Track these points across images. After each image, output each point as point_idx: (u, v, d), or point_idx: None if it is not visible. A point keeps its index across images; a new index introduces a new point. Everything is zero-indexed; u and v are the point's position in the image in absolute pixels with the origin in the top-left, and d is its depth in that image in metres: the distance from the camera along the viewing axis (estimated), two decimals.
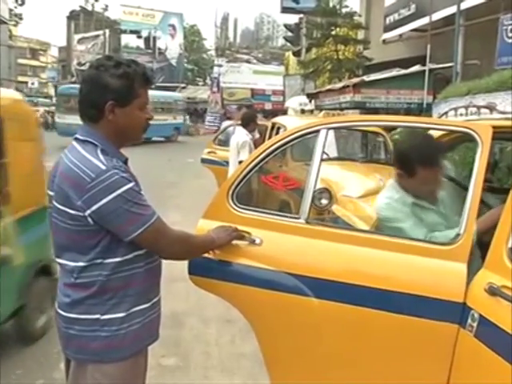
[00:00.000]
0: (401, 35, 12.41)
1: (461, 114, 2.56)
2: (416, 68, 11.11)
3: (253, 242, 2.19)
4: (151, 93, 2.00)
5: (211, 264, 2.23)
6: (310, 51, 20.23)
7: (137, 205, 1.71)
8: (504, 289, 1.85)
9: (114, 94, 1.74)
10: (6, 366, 3.55)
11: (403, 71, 11.38)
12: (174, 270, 5.76)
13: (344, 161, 7.22)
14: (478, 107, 2.40)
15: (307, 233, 2.19)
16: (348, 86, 11.58)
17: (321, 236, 2.19)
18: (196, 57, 55.02)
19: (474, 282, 2.01)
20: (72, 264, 1.79)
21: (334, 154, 7.36)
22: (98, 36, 45.63)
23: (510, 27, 7.31)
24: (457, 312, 1.98)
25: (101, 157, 1.71)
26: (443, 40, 10.59)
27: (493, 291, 1.88)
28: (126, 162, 1.86)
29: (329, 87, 13.63)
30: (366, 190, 6.10)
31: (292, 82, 24.38)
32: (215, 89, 43.94)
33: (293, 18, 27.18)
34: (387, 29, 12.89)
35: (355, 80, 12.09)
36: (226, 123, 25.13)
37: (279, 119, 9.28)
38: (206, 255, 2.18)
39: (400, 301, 2.04)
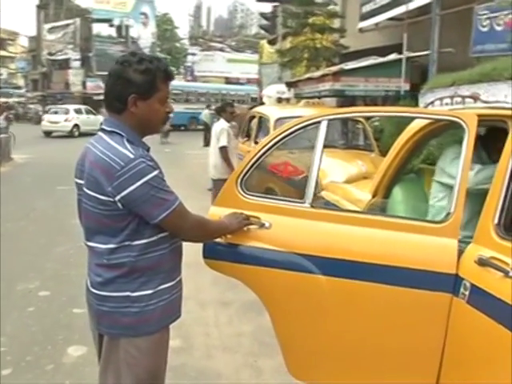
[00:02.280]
0: (377, 24, 12.62)
1: (446, 104, 2.75)
2: (393, 56, 11.35)
3: (262, 225, 2.37)
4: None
5: (224, 247, 2.41)
6: (286, 39, 20.34)
7: (162, 191, 1.85)
8: (492, 259, 2.08)
9: (136, 87, 1.87)
10: (14, 354, 3.69)
11: (381, 59, 11.62)
12: None
13: (326, 148, 7.40)
14: (463, 97, 2.59)
15: (312, 216, 2.40)
16: (328, 75, 11.78)
17: (324, 218, 2.41)
18: (169, 46, 54.54)
19: (464, 255, 2.24)
20: (103, 246, 1.92)
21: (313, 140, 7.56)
22: (68, 25, 44.84)
23: (484, 17, 7.58)
24: (450, 282, 2.22)
25: (128, 146, 1.84)
26: (418, 28, 10.84)
27: (482, 262, 2.12)
28: (148, 150, 1.98)
29: (308, 75, 13.81)
30: (349, 175, 6.34)
31: (269, 70, 24.49)
32: (189, 78, 43.77)
33: (267, 6, 27.26)
34: (363, 17, 13.08)
35: (335, 68, 12.29)
36: (203, 112, 25.32)
37: (260, 109, 9.44)
38: (218, 240, 2.36)
39: (398, 274, 2.26)
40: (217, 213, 2.44)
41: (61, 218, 7.77)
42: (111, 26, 43.31)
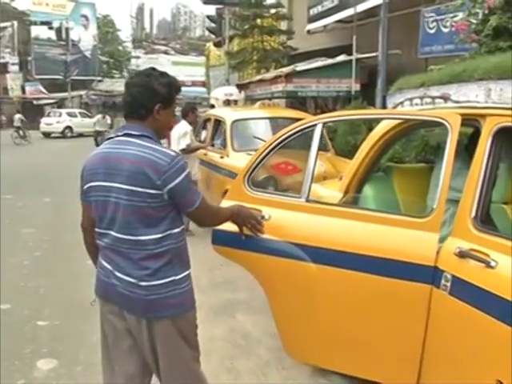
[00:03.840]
0: (325, 26, 12.85)
1: (416, 104, 2.84)
2: (343, 57, 11.59)
3: (263, 217, 2.69)
4: None
5: (230, 235, 2.69)
6: (233, 42, 20.37)
7: (192, 182, 2.24)
8: (472, 251, 2.18)
9: (161, 98, 2.15)
10: None
11: (331, 61, 11.83)
12: None
13: (282, 149, 7.48)
14: (433, 98, 2.70)
15: (307, 210, 2.68)
16: (280, 76, 11.88)
17: (316, 212, 2.67)
18: (111, 48, 53.49)
19: (443, 248, 2.34)
20: (146, 238, 2.11)
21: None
22: (5, 28, 43.15)
23: (431, 19, 7.88)
24: (429, 274, 2.34)
25: (160, 146, 2.12)
26: (364, 31, 11.12)
27: (462, 254, 2.22)
28: None
29: (259, 77, 13.88)
30: None
31: (216, 72, 24.46)
32: None
33: (212, 9, 27.21)
34: (311, 20, 13.30)
35: (287, 70, 12.41)
36: None
37: (215, 112, 9.39)
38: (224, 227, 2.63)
39: (381, 265, 2.43)
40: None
41: (10, 227, 7.50)
42: (50, 28, 41.97)
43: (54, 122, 29.62)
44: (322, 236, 2.59)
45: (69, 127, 29.68)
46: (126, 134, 2.14)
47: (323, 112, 13.29)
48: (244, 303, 4.59)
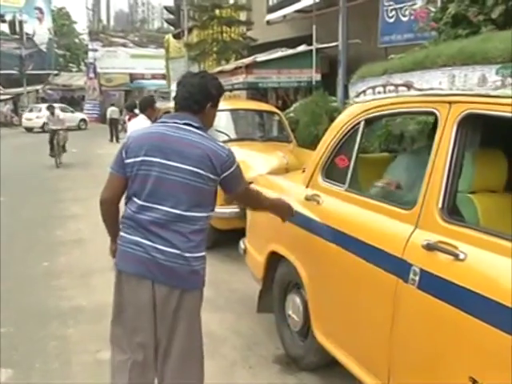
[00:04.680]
0: (285, 16, 12.74)
1: (379, 92, 2.76)
2: (303, 48, 11.52)
3: (318, 202, 3.13)
4: None
5: None
6: (192, 33, 20.08)
7: (242, 172, 2.56)
8: (440, 243, 2.12)
9: (213, 98, 2.53)
10: None
11: (291, 51, 11.76)
12: (88, 264, 5.70)
13: (244, 141, 7.38)
14: (396, 85, 2.61)
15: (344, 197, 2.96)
16: (240, 67, 11.74)
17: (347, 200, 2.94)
18: (67, 41, 52.29)
19: (411, 241, 2.28)
20: (202, 214, 2.42)
21: (233, 134, 7.51)
22: None
23: (390, 8, 7.86)
24: (396, 265, 2.31)
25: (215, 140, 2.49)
26: (324, 20, 11.06)
27: (430, 247, 2.15)
28: None
29: (219, 69, 13.70)
30: (272, 167, 6.33)
31: (176, 65, 24.07)
32: (92, 75, 42.08)
33: (169, 0, 26.75)
34: (270, 10, 13.18)
35: (247, 61, 12.27)
36: (110, 109, 24.74)
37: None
38: None
39: (366, 249, 2.58)
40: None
41: None
42: (3, 21, 40.52)
43: (33, 117, 30.25)
44: (338, 220, 2.91)
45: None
46: (186, 124, 2.43)
47: (284, 103, 13.25)
48: (208, 301, 4.44)
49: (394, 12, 7.81)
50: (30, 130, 30.11)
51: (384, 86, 2.73)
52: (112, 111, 24.08)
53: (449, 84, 2.25)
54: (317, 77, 11.02)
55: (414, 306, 2.21)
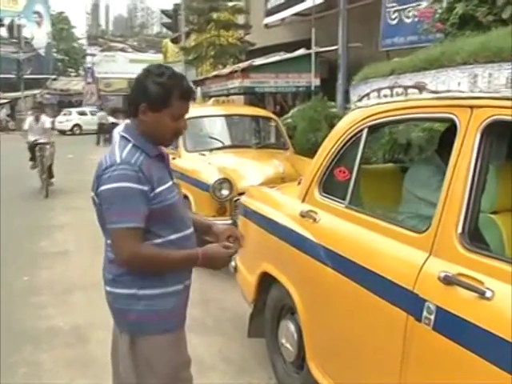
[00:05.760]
0: (283, 19, 12.45)
1: (385, 95, 2.42)
2: (302, 51, 11.21)
3: (314, 220, 2.76)
4: None
5: None
6: (190, 37, 19.80)
7: (124, 204, 1.87)
8: (461, 277, 1.75)
9: (148, 98, 1.93)
10: None
11: (289, 55, 11.44)
12: (71, 279, 5.36)
13: (239, 148, 7.07)
14: (405, 87, 2.27)
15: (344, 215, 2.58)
16: (236, 71, 11.43)
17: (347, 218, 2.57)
18: (66, 46, 52.20)
19: (424, 271, 1.92)
20: (108, 241, 2.01)
21: (227, 141, 7.19)
22: None
23: (392, 9, 7.54)
24: (406, 300, 1.95)
25: (125, 151, 1.92)
26: (323, 24, 10.77)
27: (448, 280, 1.79)
28: (160, 156, 2.03)
29: (215, 73, 13.41)
30: (266, 177, 5.99)
31: (174, 69, 23.78)
32: (90, 79, 41.95)
33: (168, 4, 26.50)
34: (269, 13, 12.88)
35: (243, 65, 11.97)
36: (99, 114, 24.84)
37: None
38: None
39: (367, 277, 2.21)
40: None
41: None
42: (1, 25, 40.32)
43: (64, 120, 32.67)
44: (337, 241, 2.55)
45: (78, 125, 33.03)
46: (119, 134, 2.04)
47: (282, 108, 12.93)
48: (196, 321, 4.09)
49: (396, 14, 7.48)
50: (63, 132, 30.85)
51: (391, 88, 2.38)
52: (100, 116, 24.94)
53: (470, 85, 1.90)
54: (316, 81, 10.70)
55: (430, 351, 1.84)
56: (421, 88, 2.18)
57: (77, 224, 7.64)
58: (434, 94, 2.10)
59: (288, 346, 3.09)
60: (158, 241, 1.99)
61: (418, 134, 5.05)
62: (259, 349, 3.66)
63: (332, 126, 8.29)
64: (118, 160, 1.90)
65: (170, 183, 2.04)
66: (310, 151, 7.36)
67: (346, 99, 8.44)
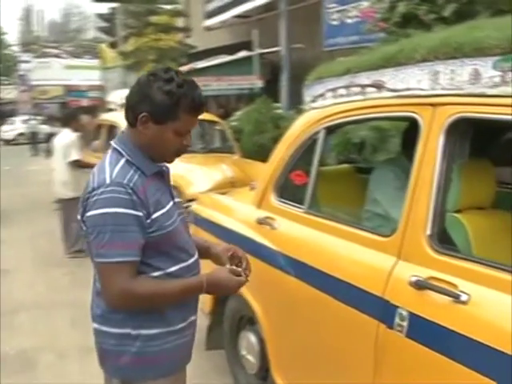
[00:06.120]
0: (224, 22, 12.34)
1: (341, 95, 2.36)
2: (243, 54, 11.13)
3: (273, 227, 2.63)
4: None
5: None
6: (128, 41, 19.36)
7: (114, 233, 1.58)
8: (433, 280, 1.69)
9: (151, 107, 1.62)
10: None
11: (232, 57, 11.34)
12: (12, 300, 5.04)
13: (184, 153, 6.89)
14: (363, 86, 2.21)
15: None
16: None
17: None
18: None
19: (393, 276, 1.85)
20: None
21: None
22: None
23: (333, 10, 7.57)
24: (375, 306, 1.88)
25: (116, 168, 1.63)
26: (265, 25, 10.74)
27: (420, 284, 1.72)
28: (160, 173, 1.74)
29: None
30: (215, 182, 5.86)
31: (112, 75, 23.24)
32: (24, 87, 40.39)
33: (104, 7, 25.84)
34: (209, 15, 12.74)
35: (185, 68, 11.76)
36: (31, 123, 24.06)
37: (109, 117, 8.59)
38: None
39: (332, 284, 2.13)
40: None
41: None
42: None
43: (8, 129, 31.96)
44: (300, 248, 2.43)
45: (22, 134, 30.99)
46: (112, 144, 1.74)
47: (226, 111, 12.81)
48: None
49: (337, 14, 7.52)
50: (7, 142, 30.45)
51: (347, 87, 2.31)
52: (31, 125, 24.58)
53: (431, 83, 1.85)
54: (259, 83, 10.63)
55: (404, 359, 1.77)
56: (379, 86, 2.12)
57: (17, 240, 7.24)
58: (394, 92, 2.04)
59: (250, 357, 2.97)
60: (155, 274, 1.70)
61: (366, 132, 5.06)
62: (219, 359, 3.52)
63: (278, 127, 8.27)
64: (108, 180, 1.60)
65: (170, 205, 1.73)
66: (257, 154, 7.28)
67: (291, 100, 8.43)
